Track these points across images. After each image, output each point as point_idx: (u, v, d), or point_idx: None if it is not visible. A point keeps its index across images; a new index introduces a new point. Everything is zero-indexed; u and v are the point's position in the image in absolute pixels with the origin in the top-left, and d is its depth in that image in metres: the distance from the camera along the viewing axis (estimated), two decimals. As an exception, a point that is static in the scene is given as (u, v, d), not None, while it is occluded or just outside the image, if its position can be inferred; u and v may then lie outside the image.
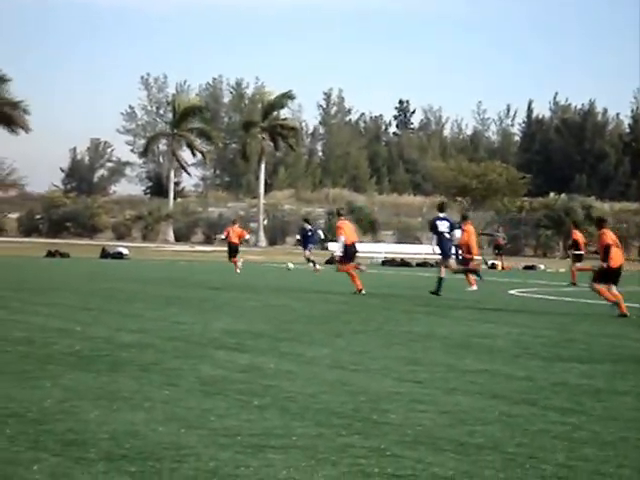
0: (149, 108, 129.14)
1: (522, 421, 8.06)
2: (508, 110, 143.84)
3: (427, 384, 9.89)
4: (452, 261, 25.83)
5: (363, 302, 21.00)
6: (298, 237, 39.13)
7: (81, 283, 25.26)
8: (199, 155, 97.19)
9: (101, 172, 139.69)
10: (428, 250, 27.92)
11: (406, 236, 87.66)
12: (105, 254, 47.62)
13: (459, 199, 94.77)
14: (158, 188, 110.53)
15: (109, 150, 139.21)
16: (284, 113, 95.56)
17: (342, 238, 25.06)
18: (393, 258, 52.60)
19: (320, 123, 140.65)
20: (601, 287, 19.67)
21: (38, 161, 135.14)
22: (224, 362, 11.03)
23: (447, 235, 25.22)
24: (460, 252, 28.20)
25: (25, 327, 13.91)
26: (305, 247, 38.85)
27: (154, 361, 10.91)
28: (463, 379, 10.26)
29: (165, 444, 6.87)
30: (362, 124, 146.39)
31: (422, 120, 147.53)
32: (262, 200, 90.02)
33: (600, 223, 20.56)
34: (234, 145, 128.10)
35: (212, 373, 10.18)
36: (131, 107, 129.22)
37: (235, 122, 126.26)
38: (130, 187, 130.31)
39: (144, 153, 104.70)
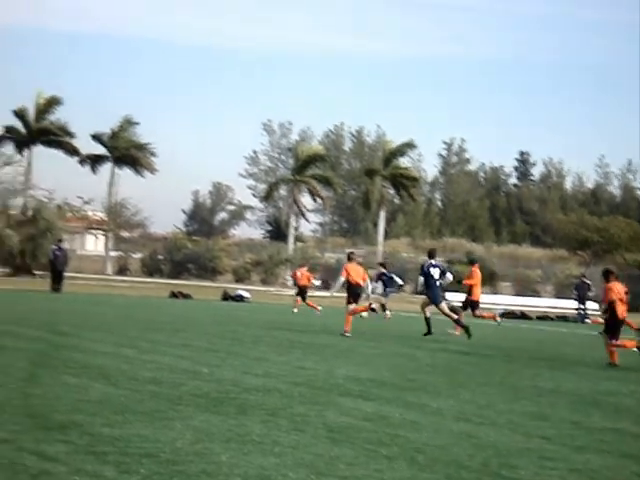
0: (271, 153, 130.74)
1: (656, 482, 7.93)
2: (630, 164, 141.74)
3: (555, 440, 9.79)
4: (444, 305, 26.11)
5: (485, 354, 20.85)
6: (375, 283, 38.89)
7: (206, 325, 25.61)
8: (319, 201, 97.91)
9: (222, 215, 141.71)
10: (548, 303, 27.78)
11: (525, 288, 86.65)
12: (226, 297, 48.18)
13: (579, 253, 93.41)
14: (277, 232, 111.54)
15: (230, 194, 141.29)
16: (404, 161, 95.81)
17: (341, 279, 26.08)
18: (512, 310, 52.03)
19: (440, 172, 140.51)
20: None
21: (161, 202, 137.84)
22: (350, 409, 11.08)
23: (438, 283, 25.77)
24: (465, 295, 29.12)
25: (154, 367, 14.18)
26: (384, 293, 38.42)
27: (281, 406, 11.02)
28: (591, 437, 10.13)
29: (298, 490, 6.95)
30: (482, 174, 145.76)
31: (542, 172, 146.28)
32: (380, 247, 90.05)
33: None
34: (353, 192, 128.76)
35: (338, 420, 10.24)
36: (254, 152, 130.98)
37: (355, 169, 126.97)
38: (250, 231, 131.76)
39: (265, 198, 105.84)
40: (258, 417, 10.11)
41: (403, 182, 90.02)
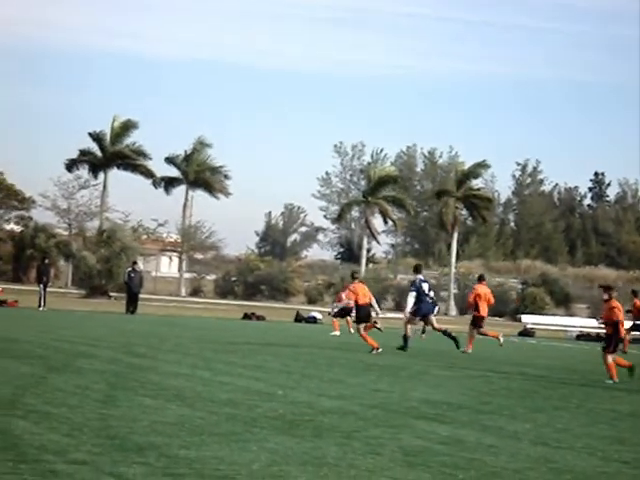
0: (343, 175, 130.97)
1: None
2: None
3: (634, 464, 9.67)
4: (433, 318, 26.46)
5: (561, 377, 20.61)
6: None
7: (280, 347, 25.67)
8: (390, 222, 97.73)
9: (294, 236, 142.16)
10: (625, 325, 27.39)
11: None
12: (299, 318, 48.26)
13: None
14: (349, 254, 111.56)
15: (302, 215, 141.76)
16: (477, 183, 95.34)
17: (350, 302, 26.95)
18: (588, 332, 51.41)
19: (513, 193, 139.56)
20: None
21: (234, 224, 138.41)
22: (425, 432, 11.03)
23: (428, 298, 26.19)
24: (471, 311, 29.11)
25: (230, 389, 14.24)
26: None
27: (356, 428, 11.00)
28: (672, 462, 9.96)
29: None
30: (556, 195, 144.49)
31: (618, 193, 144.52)
32: (453, 269, 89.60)
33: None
34: (425, 213, 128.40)
35: (414, 443, 10.20)
36: (327, 173, 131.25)
37: (427, 190, 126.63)
38: (322, 252, 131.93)
39: (338, 220, 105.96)
40: (333, 440, 10.10)
41: (476, 203, 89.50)
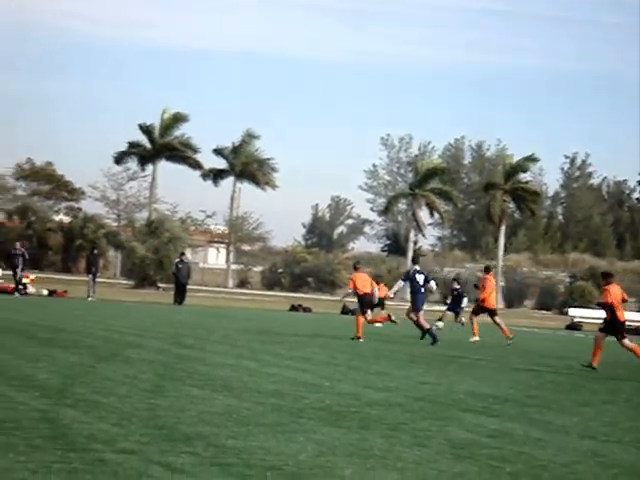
0: (390, 167, 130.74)
1: None
2: None
3: (684, 460, 9.57)
4: (421, 313, 26.14)
5: (610, 372, 20.45)
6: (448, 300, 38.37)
7: (326, 338, 25.70)
8: (437, 215, 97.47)
9: (341, 229, 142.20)
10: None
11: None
12: (346, 310, 48.21)
13: None
14: (396, 246, 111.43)
15: (349, 207, 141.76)
16: (525, 176, 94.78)
17: (349, 291, 27.13)
18: (636, 327, 50.96)
19: (561, 186, 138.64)
20: None
21: (282, 216, 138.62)
22: (472, 425, 10.99)
23: (423, 289, 26.14)
24: (478, 300, 29.05)
25: (276, 380, 14.28)
26: (452, 309, 37.66)
27: (403, 420, 10.99)
28: None
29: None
30: (605, 188, 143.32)
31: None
32: (500, 262, 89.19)
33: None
34: (472, 206, 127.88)
35: (461, 436, 10.17)
36: (374, 166, 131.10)
37: (475, 183, 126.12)
38: (368, 244, 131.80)
39: (384, 212, 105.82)
40: (380, 431, 10.10)
41: (524, 196, 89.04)
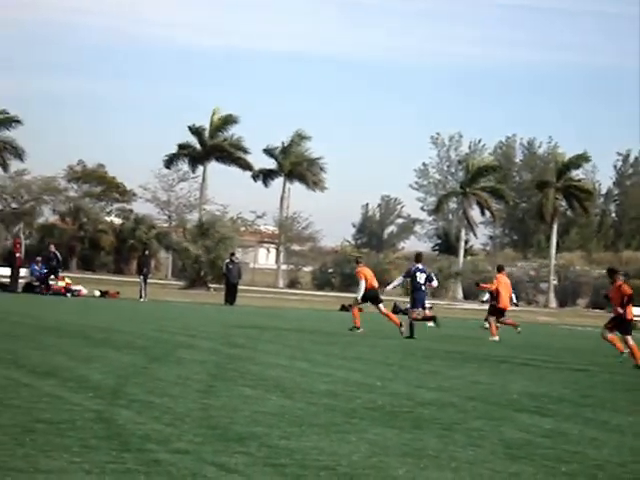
0: (440, 166, 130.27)
1: None
2: None
3: None
4: (419, 310, 26.67)
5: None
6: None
7: (377, 338, 25.66)
8: (488, 214, 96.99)
9: (391, 228, 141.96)
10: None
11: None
12: (396, 310, 48.08)
13: None
14: (446, 245, 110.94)
15: (399, 207, 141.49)
16: (578, 173, 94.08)
17: (363, 283, 27.21)
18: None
19: (614, 184, 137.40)
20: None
21: (331, 216, 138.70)
22: (527, 425, 10.91)
23: (423, 287, 26.54)
24: (489, 300, 29.41)
25: (328, 380, 14.27)
26: None
27: (456, 420, 10.93)
28: None
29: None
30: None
31: None
32: (553, 260, 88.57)
33: None
34: (524, 204, 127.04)
35: (515, 436, 10.09)
36: (424, 165, 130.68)
37: (526, 181, 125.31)
38: (419, 244, 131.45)
39: (435, 211, 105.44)
40: (433, 431, 10.05)
41: (576, 194, 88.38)
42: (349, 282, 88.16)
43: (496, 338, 27.73)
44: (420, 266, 26.74)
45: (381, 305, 27.42)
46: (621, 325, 20.57)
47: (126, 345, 18.40)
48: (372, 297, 27.34)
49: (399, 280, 27.22)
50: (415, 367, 17.43)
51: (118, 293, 46.11)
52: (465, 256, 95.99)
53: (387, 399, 12.38)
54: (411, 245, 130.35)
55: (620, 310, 20.30)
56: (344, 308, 48.93)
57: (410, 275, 26.61)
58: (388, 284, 28.91)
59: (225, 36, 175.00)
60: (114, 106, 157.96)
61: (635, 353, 20.26)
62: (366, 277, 27.24)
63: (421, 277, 26.45)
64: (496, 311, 28.54)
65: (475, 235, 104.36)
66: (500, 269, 30.15)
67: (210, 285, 64.29)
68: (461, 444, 9.40)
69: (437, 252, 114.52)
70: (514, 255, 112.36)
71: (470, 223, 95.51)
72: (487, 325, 30.24)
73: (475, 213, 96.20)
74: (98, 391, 11.50)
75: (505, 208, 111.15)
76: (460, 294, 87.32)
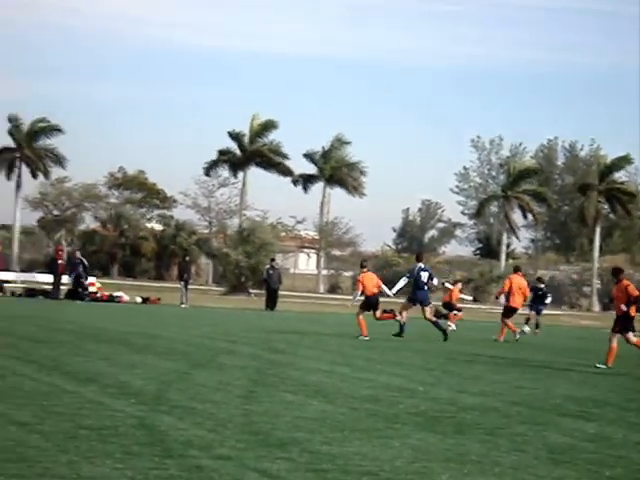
0: (481, 170, 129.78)
1: None
2: None
3: None
4: (429, 309, 27.24)
5: None
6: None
7: (419, 343, 25.58)
8: (530, 217, 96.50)
9: (431, 233, 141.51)
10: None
11: None
12: (438, 315, 48.00)
13: None
14: (488, 249, 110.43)
15: (440, 211, 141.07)
16: (620, 176, 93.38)
17: (357, 293, 27.10)
18: None
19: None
20: None
21: (372, 220, 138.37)
22: (571, 430, 10.82)
23: (426, 286, 26.86)
24: (503, 300, 30.05)
25: (370, 385, 14.23)
26: (535, 309, 36.85)
27: (499, 425, 10.86)
28: None
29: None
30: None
31: None
32: (596, 264, 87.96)
33: None
34: (566, 207, 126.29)
35: (559, 441, 10.02)
36: (465, 168, 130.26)
37: (568, 184, 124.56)
38: (460, 248, 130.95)
39: (476, 215, 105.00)
40: (476, 436, 9.99)
41: (619, 197, 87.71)
42: (390, 287, 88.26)
43: (501, 339, 28.00)
44: (422, 265, 27.24)
45: (378, 311, 27.47)
46: (625, 322, 20.41)
47: (168, 351, 18.45)
48: (374, 304, 27.11)
49: (404, 281, 27.16)
50: (457, 372, 17.34)
51: (159, 299, 46.30)
52: (507, 260, 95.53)
53: (429, 404, 12.33)
54: (452, 249, 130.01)
55: (624, 307, 20.18)
56: (384, 313, 48.88)
57: (415, 275, 26.87)
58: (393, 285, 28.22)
59: (263, 41, 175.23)
60: (154, 111, 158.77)
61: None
62: (364, 285, 26.98)
63: (424, 276, 26.81)
64: (508, 311, 28.63)
65: (518, 238, 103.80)
66: (516, 270, 30.38)
67: (251, 291, 64.40)
68: (504, 449, 9.34)
69: (478, 256, 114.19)
70: (556, 258, 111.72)
71: (512, 226, 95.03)
72: (524, 329, 30.22)
73: (517, 217, 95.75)
74: (140, 397, 11.53)
75: (547, 211, 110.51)
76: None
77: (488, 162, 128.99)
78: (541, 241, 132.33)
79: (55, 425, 9.32)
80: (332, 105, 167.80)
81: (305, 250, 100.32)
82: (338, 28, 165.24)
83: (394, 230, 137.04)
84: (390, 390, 13.67)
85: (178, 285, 47.73)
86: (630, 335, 20.41)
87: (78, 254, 47.31)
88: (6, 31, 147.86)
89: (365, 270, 27.93)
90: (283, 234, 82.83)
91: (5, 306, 35.22)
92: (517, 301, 28.85)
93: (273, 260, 49.15)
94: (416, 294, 26.90)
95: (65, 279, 45.78)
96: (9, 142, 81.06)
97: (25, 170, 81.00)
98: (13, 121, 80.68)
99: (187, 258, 51.03)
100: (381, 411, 11.49)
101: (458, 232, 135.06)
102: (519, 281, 29.25)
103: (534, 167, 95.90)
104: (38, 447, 8.23)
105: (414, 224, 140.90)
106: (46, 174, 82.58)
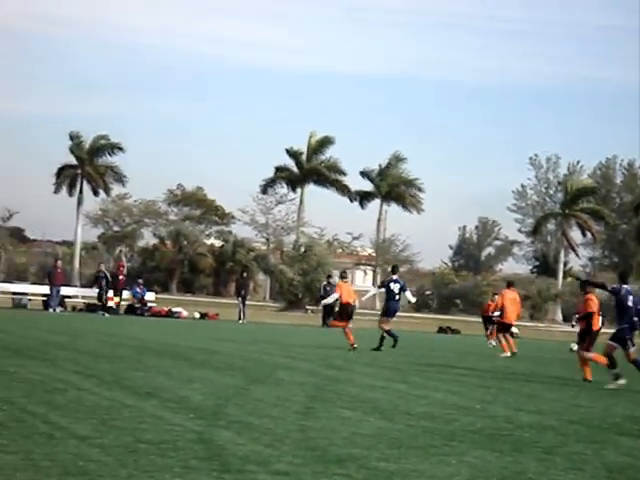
0: (538, 188, 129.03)
1: None
2: None
3: None
4: (390, 320, 27.79)
5: None
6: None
7: (475, 361, 25.50)
8: (588, 235, 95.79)
9: (488, 250, 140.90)
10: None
11: None
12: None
13: None
14: (545, 267, 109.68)
15: (497, 229, 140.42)
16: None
17: (335, 295, 28.69)
18: None
19: None
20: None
21: (429, 238, 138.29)
22: (630, 449, 10.76)
23: (397, 297, 27.53)
24: (495, 315, 30.13)
25: (426, 402, 14.23)
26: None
27: (556, 444, 10.82)
28: None
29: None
30: None
31: None
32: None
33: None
34: (624, 225, 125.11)
35: (618, 460, 9.97)
36: (522, 186, 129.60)
37: (626, 202, 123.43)
38: (517, 266, 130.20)
39: (534, 232, 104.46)
40: (534, 455, 9.97)
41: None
42: (447, 304, 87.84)
43: (507, 354, 27.83)
44: (395, 277, 27.90)
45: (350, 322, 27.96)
46: (584, 336, 20.45)
47: (226, 366, 18.58)
48: (349, 313, 27.77)
49: (373, 290, 28.24)
50: (514, 390, 17.27)
51: (217, 315, 46.58)
52: (564, 278, 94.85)
53: (486, 422, 12.31)
54: (509, 267, 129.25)
55: (574, 322, 20.35)
56: (442, 330, 48.77)
57: (384, 286, 27.87)
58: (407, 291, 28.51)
59: (321, 59, 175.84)
60: (213, 129, 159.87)
61: (595, 362, 20.02)
62: (342, 292, 27.92)
63: (395, 287, 27.41)
64: (502, 326, 28.60)
65: (578, 256, 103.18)
66: (509, 285, 30.50)
67: (307, 307, 64.55)
68: (562, 467, 9.31)
69: (535, 274, 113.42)
70: (614, 277, 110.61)
71: (571, 244, 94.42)
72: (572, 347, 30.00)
73: (575, 235, 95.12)
74: (199, 412, 11.64)
75: (605, 229, 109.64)
76: (559, 316, 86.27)
77: (545, 180, 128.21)
78: (599, 259, 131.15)
79: (115, 439, 9.44)
80: (390, 121, 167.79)
81: (362, 267, 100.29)
82: (394, 47, 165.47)
83: (451, 247, 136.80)
84: (446, 407, 13.67)
85: (236, 301, 48.00)
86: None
87: (102, 267, 47.85)
88: (68, 49, 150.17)
89: (345, 281, 28.73)
90: (339, 250, 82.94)
91: (66, 320, 35.64)
92: (510, 316, 28.95)
93: (330, 276, 49.23)
94: (389, 305, 27.74)
95: (125, 294, 46.29)
96: (71, 159, 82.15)
97: (86, 187, 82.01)
98: (74, 139, 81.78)
99: (245, 274, 51.33)
100: (438, 428, 11.49)
101: (515, 250, 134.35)
102: (511, 296, 29.37)
103: (592, 185, 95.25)
104: (98, 461, 8.33)
105: (471, 242, 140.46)
106: (107, 191, 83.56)
